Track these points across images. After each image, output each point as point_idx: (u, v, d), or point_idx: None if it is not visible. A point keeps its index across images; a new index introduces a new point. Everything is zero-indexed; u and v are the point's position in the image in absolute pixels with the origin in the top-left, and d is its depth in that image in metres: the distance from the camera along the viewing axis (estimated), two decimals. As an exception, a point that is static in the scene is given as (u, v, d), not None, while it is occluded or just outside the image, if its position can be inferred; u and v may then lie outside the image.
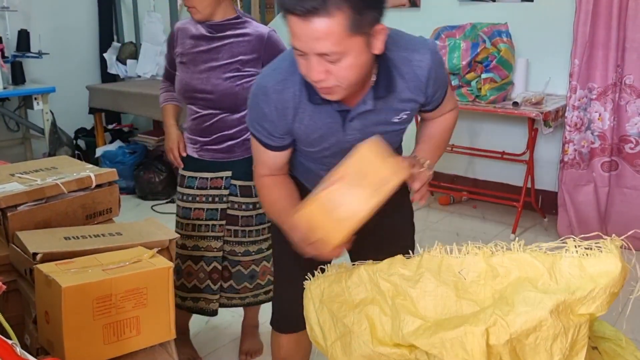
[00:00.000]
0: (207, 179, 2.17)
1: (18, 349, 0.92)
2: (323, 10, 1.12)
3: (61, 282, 1.29)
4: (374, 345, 1.05)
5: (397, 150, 1.61)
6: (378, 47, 1.24)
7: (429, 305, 1.05)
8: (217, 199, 2.17)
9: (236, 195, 2.16)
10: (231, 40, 2.05)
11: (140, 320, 1.42)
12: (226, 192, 2.16)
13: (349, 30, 1.15)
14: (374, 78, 1.33)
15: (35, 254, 1.43)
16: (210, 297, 2.26)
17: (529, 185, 3.75)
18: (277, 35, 2.09)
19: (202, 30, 2.08)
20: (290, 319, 1.70)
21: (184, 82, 2.11)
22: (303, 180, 1.60)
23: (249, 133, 1.97)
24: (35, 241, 1.49)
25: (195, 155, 2.19)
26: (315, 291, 1.19)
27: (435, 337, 0.98)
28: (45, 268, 1.36)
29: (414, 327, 1.03)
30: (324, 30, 1.14)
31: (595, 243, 1.03)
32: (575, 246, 1.04)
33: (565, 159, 3.48)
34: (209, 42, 2.07)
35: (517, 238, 1.27)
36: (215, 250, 2.20)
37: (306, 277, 1.32)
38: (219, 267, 2.23)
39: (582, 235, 1.07)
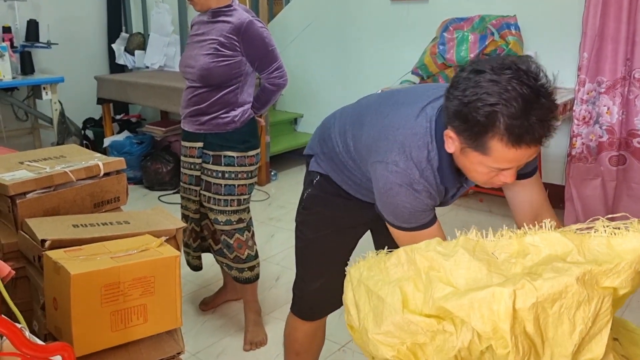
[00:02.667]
0: (187, 147, 2.45)
1: (27, 333, 0.93)
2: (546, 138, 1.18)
3: (70, 269, 1.30)
4: (404, 313, 1.07)
5: None
6: None
7: (461, 276, 1.08)
8: (192, 166, 2.44)
9: (208, 163, 2.39)
10: (218, 24, 2.29)
11: (148, 308, 1.43)
12: (199, 160, 2.41)
13: None
14: None
15: (43, 241, 1.44)
16: (192, 253, 2.61)
17: (536, 178, 3.74)
18: (257, 24, 2.29)
19: (204, 17, 2.35)
20: (310, 307, 1.79)
21: (182, 58, 2.42)
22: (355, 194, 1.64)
23: (220, 111, 2.31)
24: (43, 228, 1.50)
25: (183, 126, 2.46)
26: (355, 274, 1.23)
27: (463, 298, 1.01)
28: (54, 255, 1.37)
29: (444, 292, 1.06)
30: (535, 150, 1.20)
31: (624, 223, 1.07)
32: (604, 226, 1.07)
33: (573, 153, 3.47)
34: (206, 25, 2.33)
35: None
36: (192, 211, 2.50)
37: (333, 267, 1.35)
38: (197, 229, 2.56)
39: (609, 216, 1.10)
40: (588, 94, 3.36)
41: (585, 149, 3.43)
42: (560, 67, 3.65)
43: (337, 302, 1.42)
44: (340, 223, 1.69)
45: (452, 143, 1.27)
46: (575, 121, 3.42)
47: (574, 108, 3.42)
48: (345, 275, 1.29)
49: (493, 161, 1.20)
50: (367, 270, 1.20)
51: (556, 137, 3.99)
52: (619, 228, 1.06)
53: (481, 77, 1.15)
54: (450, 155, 1.32)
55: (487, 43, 3.46)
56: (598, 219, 1.09)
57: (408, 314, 1.07)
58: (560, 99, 3.44)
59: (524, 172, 1.44)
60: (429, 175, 1.34)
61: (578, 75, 3.37)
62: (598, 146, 3.40)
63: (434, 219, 1.40)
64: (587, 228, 1.09)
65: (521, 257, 1.09)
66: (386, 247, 1.24)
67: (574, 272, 0.99)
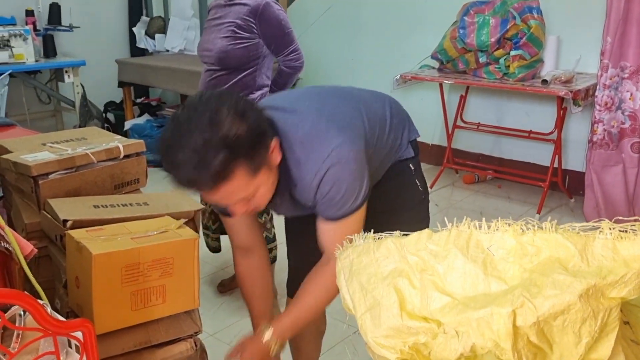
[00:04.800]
0: None
1: (48, 309, 0.96)
2: (222, 179, 1.17)
3: (92, 249, 1.33)
4: (403, 318, 1.05)
5: None
6: (276, 158, 1.29)
7: (457, 282, 1.04)
8: None
9: None
10: (235, 7, 2.31)
11: (166, 289, 1.45)
12: None
13: (252, 175, 1.20)
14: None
15: (65, 221, 1.47)
16: (211, 235, 2.66)
17: (556, 165, 3.71)
18: (274, 6, 2.30)
19: (221, 1, 2.38)
20: (291, 284, 1.83)
21: (200, 42, 2.45)
22: None
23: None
24: (65, 208, 1.53)
25: None
26: (345, 262, 1.19)
27: (462, 316, 0.98)
28: (76, 234, 1.40)
29: (441, 304, 1.03)
30: (232, 189, 1.20)
31: (631, 226, 1.00)
32: (610, 228, 1.01)
33: (594, 139, 3.42)
34: (223, 9, 2.35)
35: (542, 218, 1.25)
36: None
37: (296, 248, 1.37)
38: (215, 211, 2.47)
39: (617, 218, 1.05)
40: (611, 79, 3.30)
41: (606, 136, 3.39)
42: (583, 51, 3.60)
43: None
44: None
45: None
46: (597, 107, 3.37)
47: (596, 94, 3.37)
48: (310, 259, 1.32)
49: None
50: (357, 256, 1.17)
51: (577, 123, 3.96)
52: (625, 231, 1.00)
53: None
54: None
55: (508, 27, 3.41)
56: (604, 220, 1.02)
57: (407, 319, 1.05)
58: (582, 84, 3.39)
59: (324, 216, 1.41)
60: None
61: (601, 60, 3.32)
62: (620, 133, 3.35)
63: None
64: (592, 228, 1.03)
65: (519, 256, 1.04)
66: (372, 230, 1.21)
67: (577, 288, 0.94)
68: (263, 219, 2.49)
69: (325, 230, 1.41)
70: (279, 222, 2.81)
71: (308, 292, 1.47)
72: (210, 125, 1.14)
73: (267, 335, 1.45)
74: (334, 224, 1.39)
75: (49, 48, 4.58)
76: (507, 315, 0.94)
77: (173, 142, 1.18)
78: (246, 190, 1.22)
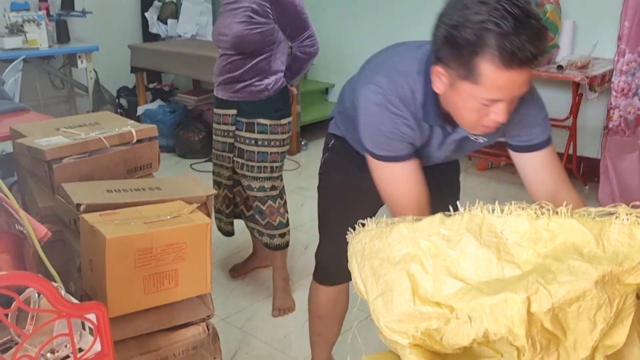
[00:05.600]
0: (220, 115, 2.47)
1: (62, 292, 0.97)
2: (540, 56, 1.13)
3: (105, 233, 1.33)
4: (416, 304, 1.04)
5: None
6: None
7: (470, 267, 1.03)
8: (226, 134, 2.47)
9: (242, 130, 2.41)
10: None
11: (179, 273, 1.46)
12: (232, 127, 2.43)
13: None
14: None
15: (79, 205, 1.48)
16: (224, 219, 2.67)
17: (571, 152, 3.67)
18: None
19: None
20: (330, 272, 1.81)
21: (215, 26, 2.43)
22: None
23: (253, 79, 2.32)
24: (79, 193, 1.54)
25: (217, 94, 2.48)
26: (357, 246, 1.18)
27: (475, 301, 0.98)
28: (90, 218, 1.41)
29: (454, 289, 1.02)
30: (529, 75, 1.15)
31: None
32: (627, 213, 0.99)
33: (610, 126, 3.38)
34: None
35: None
36: (225, 178, 2.56)
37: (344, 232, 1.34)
38: (229, 195, 2.61)
39: (634, 203, 1.03)
40: (628, 64, 3.26)
41: (622, 122, 3.35)
42: (600, 36, 3.55)
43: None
44: (357, 189, 1.68)
45: (440, 81, 1.23)
46: (614, 93, 3.33)
47: (612, 79, 3.32)
48: None
49: (484, 90, 1.15)
50: (369, 241, 1.16)
51: (593, 109, 3.91)
52: None
53: (468, 0, 1.13)
54: (437, 96, 1.29)
55: (523, 12, 3.37)
56: (620, 205, 1.01)
57: (419, 304, 1.04)
58: (598, 69, 3.35)
59: (534, 143, 1.39)
60: (410, 104, 1.32)
61: (618, 46, 3.27)
62: (636, 119, 3.31)
63: (410, 155, 1.37)
64: (608, 213, 1.02)
65: (533, 241, 1.02)
66: (385, 215, 1.21)
67: (592, 275, 0.93)
68: (277, 203, 2.49)
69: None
70: (291, 208, 2.82)
71: None
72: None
73: None
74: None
75: (62, 33, 4.59)
76: (521, 302, 0.94)
77: (530, 11, 1.11)
78: (529, 83, 1.19)
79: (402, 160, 1.36)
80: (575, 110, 3.55)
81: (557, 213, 1.04)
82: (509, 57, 1.09)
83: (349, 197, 1.70)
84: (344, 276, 1.73)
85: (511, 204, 1.07)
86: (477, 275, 1.03)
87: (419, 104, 1.32)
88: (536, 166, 1.42)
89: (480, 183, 3.94)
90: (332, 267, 1.79)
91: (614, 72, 3.30)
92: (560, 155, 3.69)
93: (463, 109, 1.23)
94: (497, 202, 1.09)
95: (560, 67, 3.34)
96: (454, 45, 1.14)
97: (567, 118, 3.68)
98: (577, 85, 3.41)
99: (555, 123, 3.79)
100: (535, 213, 1.05)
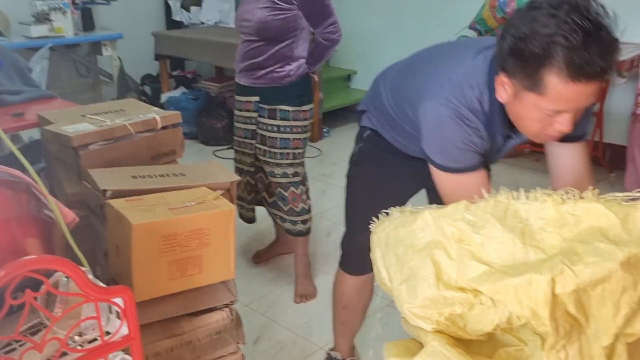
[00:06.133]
0: (242, 101, 2.48)
1: (90, 276, 0.98)
2: (608, 72, 1.12)
3: (131, 219, 1.35)
4: (439, 288, 1.04)
5: None
6: None
7: (494, 251, 1.03)
8: (248, 120, 2.48)
9: (264, 117, 2.41)
10: None
11: (203, 259, 1.48)
12: (255, 114, 2.44)
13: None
14: None
15: (105, 191, 1.50)
16: (246, 206, 2.68)
17: (597, 138, 3.61)
18: None
19: None
20: (357, 261, 1.80)
21: (238, 12, 2.42)
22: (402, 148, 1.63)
23: (276, 65, 2.32)
24: (105, 178, 1.56)
25: (238, 80, 2.48)
26: (381, 234, 1.18)
27: (499, 283, 0.97)
28: (116, 204, 1.43)
29: (478, 272, 1.02)
30: (596, 88, 1.14)
31: None
32: None
33: (638, 112, 3.31)
34: None
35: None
36: (247, 165, 2.58)
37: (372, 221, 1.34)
38: (251, 182, 2.61)
39: None
40: (657, 49, 3.18)
41: (651, 109, 3.27)
42: (629, 20, 3.44)
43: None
44: (389, 178, 1.68)
45: (504, 90, 1.23)
46: (643, 79, 3.26)
47: (641, 65, 3.25)
48: None
49: (549, 101, 1.15)
50: (393, 229, 1.16)
51: (620, 95, 3.83)
52: None
53: (538, 12, 1.11)
54: (502, 105, 1.29)
55: (550, -4, 3.30)
56: None
57: (443, 289, 1.04)
58: (627, 54, 3.27)
59: (573, 135, 1.37)
60: (479, 116, 1.32)
61: (647, 30, 3.19)
62: (666, 105, 3.23)
63: (480, 165, 1.37)
64: (634, 198, 1.01)
65: (558, 226, 1.02)
66: (410, 205, 1.21)
67: (618, 256, 0.93)
68: (299, 189, 2.50)
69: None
70: (313, 196, 2.83)
71: None
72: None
73: None
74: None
75: (87, 21, 4.62)
76: (546, 282, 0.93)
77: (601, 24, 1.11)
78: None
79: (473, 171, 1.36)
80: (602, 96, 3.48)
81: (582, 198, 1.04)
82: (577, 71, 1.08)
83: (383, 187, 1.70)
84: (371, 265, 1.74)
85: (537, 189, 1.07)
86: (501, 259, 1.03)
87: (486, 112, 1.32)
88: (570, 156, 1.43)
89: (504, 170, 3.90)
90: (360, 256, 1.78)
91: (643, 58, 3.23)
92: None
93: (527, 118, 1.23)
94: (522, 190, 1.08)
95: (587, 53, 3.28)
96: (520, 57, 1.14)
97: (593, 104, 3.62)
98: (604, 71, 3.35)
99: (581, 110, 3.73)
100: (562, 198, 1.04)
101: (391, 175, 1.68)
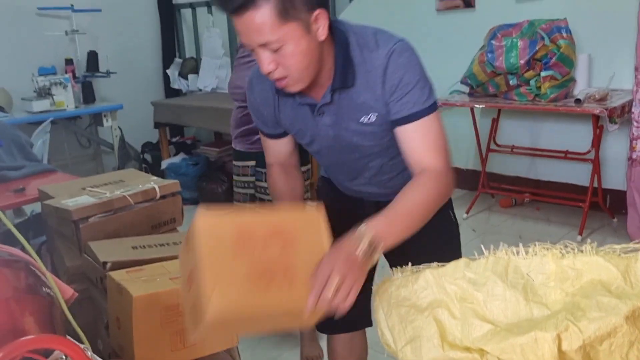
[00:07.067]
0: (239, 166, 2.52)
1: (89, 353, 0.97)
2: (250, 3, 1.15)
3: (132, 290, 1.35)
4: (445, 349, 1.03)
5: (397, 164, 1.46)
6: (321, 33, 1.23)
7: (498, 309, 1.03)
8: (246, 185, 2.51)
9: (261, 180, 2.45)
10: None
11: (205, 328, 1.46)
12: (252, 178, 2.48)
13: (280, 18, 1.16)
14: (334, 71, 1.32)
15: (105, 263, 1.50)
16: None
17: (595, 184, 3.62)
18: None
19: None
20: (324, 321, 1.72)
21: (231, 79, 2.51)
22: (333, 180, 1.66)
23: None
24: (105, 250, 1.57)
25: (235, 146, 2.53)
26: (383, 295, 1.18)
27: (505, 342, 0.97)
28: (116, 276, 1.43)
29: (483, 331, 1.01)
30: (257, 22, 1.17)
31: None
32: None
33: (634, 156, 3.34)
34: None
35: (584, 240, 1.20)
36: None
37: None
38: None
39: None
40: (647, 94, 3.24)
41: (646, 152, 3.30)
42: (616, 68, 3.54)
43: (347, 320, 1.25)
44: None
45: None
46: (635, 123, 3.29)
47: (632, 110, 3.30)
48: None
49: (239, 37, 1.24)
50: (395, 290, 1.15)
51: (614, 141, 3.87)
52: None
53: None
54: None
55: (537, 48, 3.39)
56: None
57: (448, 349, 1.03)
58: (617, 101, 3.33)
59: (397, 118, 1.31)
60: None
61: (635, 76, 3.25)
62: (660, 148, 3.26)
63: None
64: (633, 249, 1.01)
65: (560, 280, 1.02)
66: (409, 264, 1.18)
67: (622, 310, 0.92)
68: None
69: (408, 137, 1.31)
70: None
71: (403, 193, 1.26)
72: None
73: (361, 228, 1.16)
74: (414, 125, 1.29)
75: (87, 94, 4.74)
76: (551, 340, 0.93)
77: None
78: (270, 32, 1.17)
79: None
80: (596, 142, 3.52)
81: (581, 251, 1.04)
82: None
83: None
84: (335, 325, 1.46)
85: (535, 245, 1.07)
86: (505, 317, 1.02)
87: None
88: (405, 139, 1.32)
89: (505, 220, 3.90)
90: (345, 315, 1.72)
91: (634, 103, 3.28)
92: (584, 188, 3.66)
93: None
94: (521, 244, 1.09)
95: (578, 101, 3.33)
96: None
97: (589, 151, 3.65)
98: (596, 117, 3.39)
99: (577, 157, 3.76)
100: (560, 252, 1.05)
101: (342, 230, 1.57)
